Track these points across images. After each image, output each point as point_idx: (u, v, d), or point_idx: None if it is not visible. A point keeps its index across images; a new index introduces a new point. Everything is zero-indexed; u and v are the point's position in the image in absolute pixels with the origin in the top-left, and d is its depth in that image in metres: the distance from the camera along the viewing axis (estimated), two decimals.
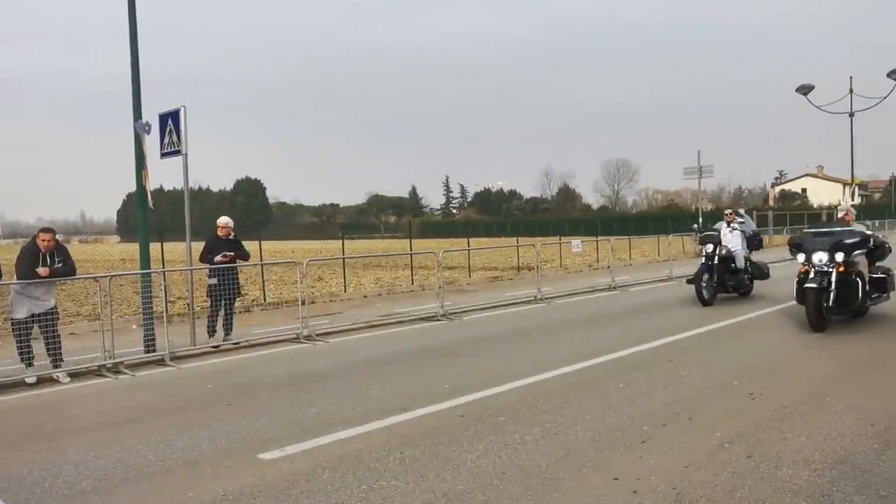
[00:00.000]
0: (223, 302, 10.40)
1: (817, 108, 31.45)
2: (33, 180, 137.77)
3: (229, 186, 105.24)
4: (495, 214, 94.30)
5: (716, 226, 13.69)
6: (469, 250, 23.51)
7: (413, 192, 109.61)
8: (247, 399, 7.04)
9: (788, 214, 48.86)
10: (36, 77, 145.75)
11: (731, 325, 10.56)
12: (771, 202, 79.21)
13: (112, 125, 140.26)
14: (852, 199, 40.05)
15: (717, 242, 12.94)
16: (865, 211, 51.81)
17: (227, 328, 10.50)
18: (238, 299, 11.93)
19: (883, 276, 10.24)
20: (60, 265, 8.51)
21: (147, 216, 10.09)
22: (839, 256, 9.29)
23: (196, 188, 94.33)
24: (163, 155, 10.15)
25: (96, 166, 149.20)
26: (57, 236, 8.69)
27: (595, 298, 15.22)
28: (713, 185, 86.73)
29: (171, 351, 9.33)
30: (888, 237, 12.24)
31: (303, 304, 11.14)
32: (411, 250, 20.70)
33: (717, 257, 12.76)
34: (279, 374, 8.28)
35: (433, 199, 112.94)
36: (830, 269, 9.24)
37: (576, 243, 20.43)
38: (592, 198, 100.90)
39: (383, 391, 7.06)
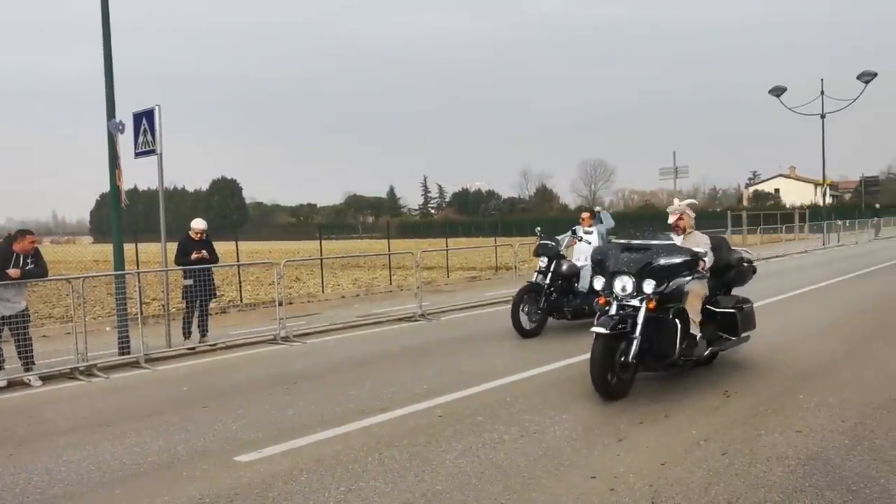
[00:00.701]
0: (198, 303, 10.32)
1: (790, 109, 32.03)
2: (2, 180, 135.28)
3: (205, 186, 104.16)
4: (473, 214, 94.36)
5: (565, 234, 10.83)
6: (447, 250, 23.55)
7: (391, 192, 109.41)
8: (223, 401, 6.97)
9: (762, 214, 49.61)
10: (7, 75, 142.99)
11: None
12: (745, 202, 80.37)
13: (85, 124, 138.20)
14: (823, 200, 40.63)
15: (556, 255, 10.24)
16: (837, 211, 52.63)
17: (203, 330, 10.41)
18: (213, 300, 11.83)
19: (733, 311, 7.17)
20: (32, 266, 8.38)
21: (121, 216, 9.97)
22: (648, 286, 6.33)
23: (171, 188, 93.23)
24: (137, 154, 10.05)
25: (69, 166, 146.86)
26: None
27: None
28: (688, 185, 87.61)
29: (145, 353, 9.22)
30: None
31: (280, 304, 11.07)
32: (389, 250, 20.64)
33: (551, 274, 10.12)
34: (256, 376, 8.21)
35: (411, 199, 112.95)
36: (639, 305, 6.35)
37: None
38: (570, 198, 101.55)
39: (361, 392, 7.05)
